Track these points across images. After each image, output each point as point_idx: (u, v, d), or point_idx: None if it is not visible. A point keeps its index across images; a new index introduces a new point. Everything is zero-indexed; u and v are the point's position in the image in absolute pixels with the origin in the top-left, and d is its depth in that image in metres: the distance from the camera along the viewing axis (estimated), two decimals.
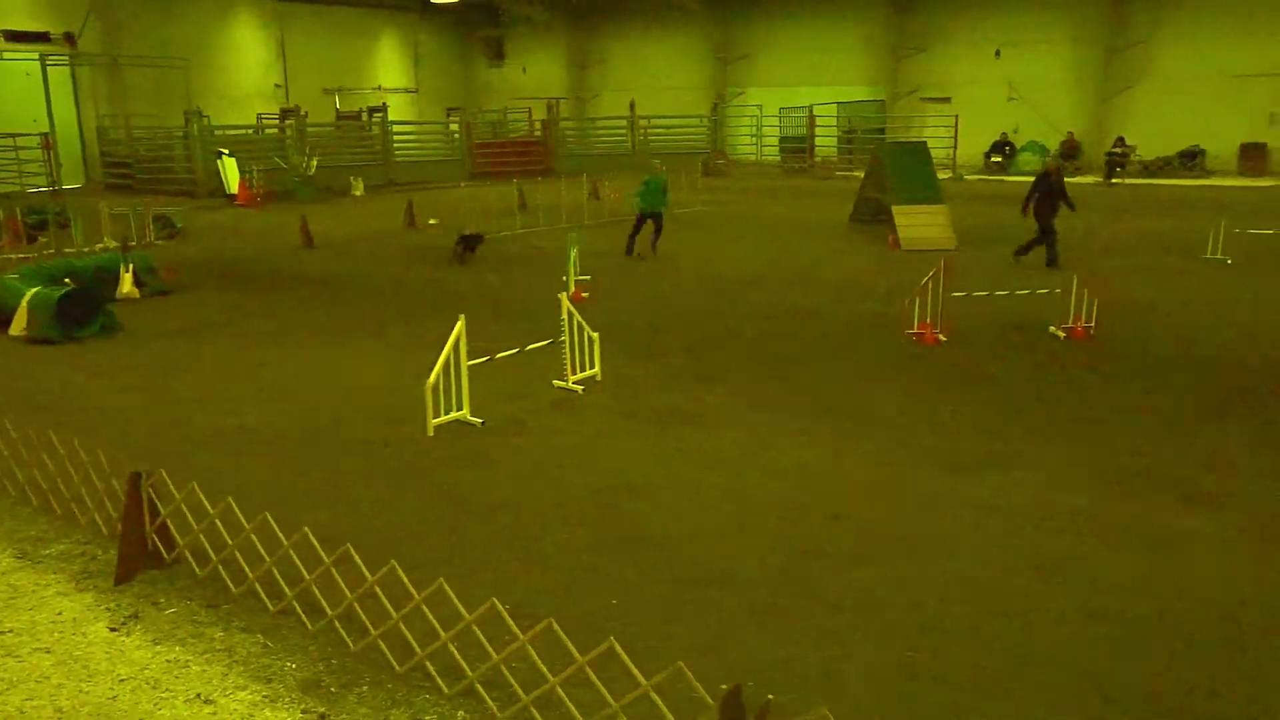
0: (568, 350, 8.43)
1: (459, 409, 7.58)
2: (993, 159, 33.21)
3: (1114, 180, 28.40)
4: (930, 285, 10.02)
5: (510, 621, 3.58)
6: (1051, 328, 10.30)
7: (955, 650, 4.36)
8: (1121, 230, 18.16)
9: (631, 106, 36.97)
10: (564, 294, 8.55)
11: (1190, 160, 30.24)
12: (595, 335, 8.65)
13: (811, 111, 35.93)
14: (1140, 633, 4.49)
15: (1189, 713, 3.92)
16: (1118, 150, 29.71)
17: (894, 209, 16.83)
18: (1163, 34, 31.25)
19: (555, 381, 8.54)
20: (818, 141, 36.57)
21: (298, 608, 4.44)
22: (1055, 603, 4.77)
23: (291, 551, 4.40)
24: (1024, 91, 33.81)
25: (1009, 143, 33.44)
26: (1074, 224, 18.06)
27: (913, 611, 4.70)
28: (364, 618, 4.16)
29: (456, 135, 36.53)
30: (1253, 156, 30.02)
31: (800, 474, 6.51)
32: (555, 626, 3.41)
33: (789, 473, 6.53)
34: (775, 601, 4.81)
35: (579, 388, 8.44)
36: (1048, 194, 14.28)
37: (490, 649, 3.70)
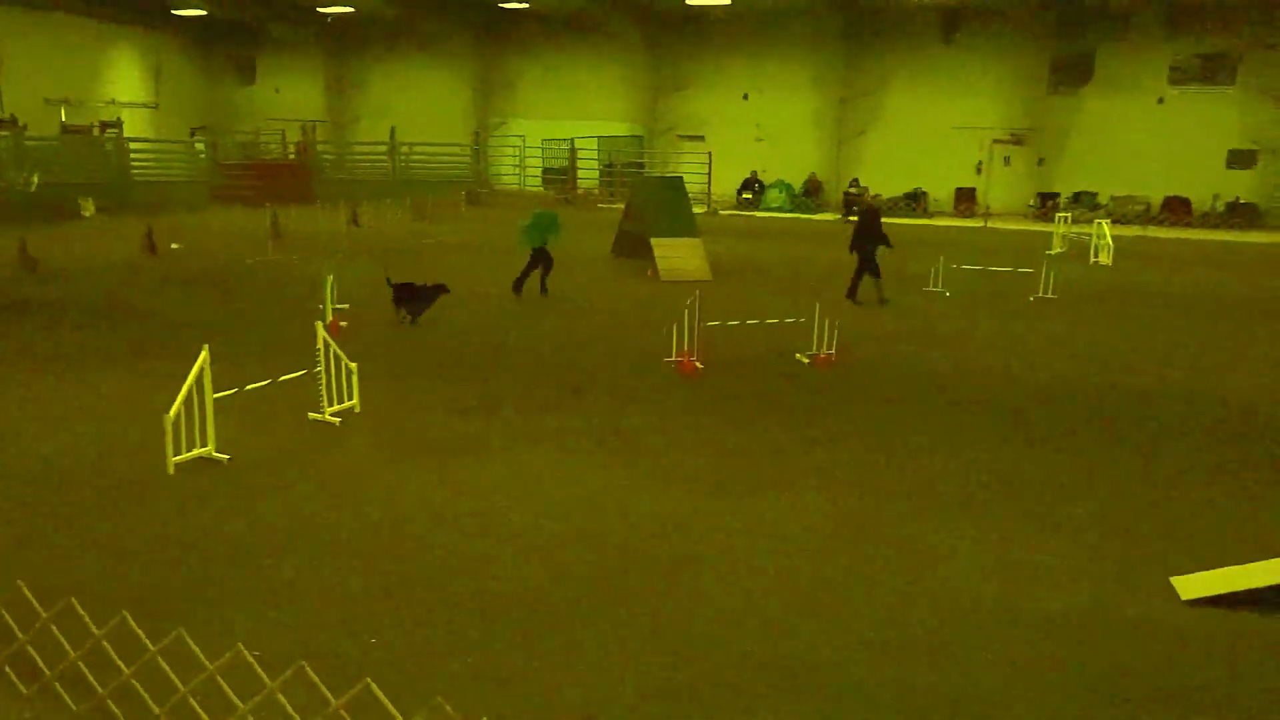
0: (323, 381, 8.12)
1: (203, 445, 7.11)
2: (744, 195, 35.17)
3: (851, 218, 30.76)
4: (687, 315, 10.45)
5: (257, 668, 3.39)
6: (798, 355, 10.98)
7: (720, 670, 4.54)
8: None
9: (392, 133, 36.30)
10: (320, 323, 8.23)
11: (914, 201, 33.30)
12: (353, 366, 8.38)
13: (573, 144, 36.66)
14: (898, 642, 4.85)
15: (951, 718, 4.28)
16: (853, 190, 32.27)
17: (653, 241, 17.42)
18: (890, 86, 34.37)
19: (311, 414, 8.19)
20: (580, 174, 37.33)
21: (9, 672, 4.00)
22: (815, 618, 5.07)
23: (2, 610, 3.96)
24: (771, 133, 36.09)
25: (758, 180, 35.53)
26: (820, 259, 19.44)
27: (678, 634, 4.85)
28: (90, 676, 3.81)
29: (203, 155, 34.48)
30: (965, 200, 33.53)
31: (565, 502, 6.57)
32: (308, 670, 3.26)
33: (554, 501, 6.58)
34: (539, 632, 4.83)
35: (336, 420, 8.14)
36: (865, 231, 14.76)
37: (236, 699, 3.49)
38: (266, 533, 5.93)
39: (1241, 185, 31.15)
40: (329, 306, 12.04)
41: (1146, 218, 30.47)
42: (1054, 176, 32.98)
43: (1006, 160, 33.43)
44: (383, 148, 36.66)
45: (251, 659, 3.40)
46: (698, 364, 10.43)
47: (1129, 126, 31.58)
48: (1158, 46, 31.32)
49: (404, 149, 36.20)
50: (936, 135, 33.54)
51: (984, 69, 33.10)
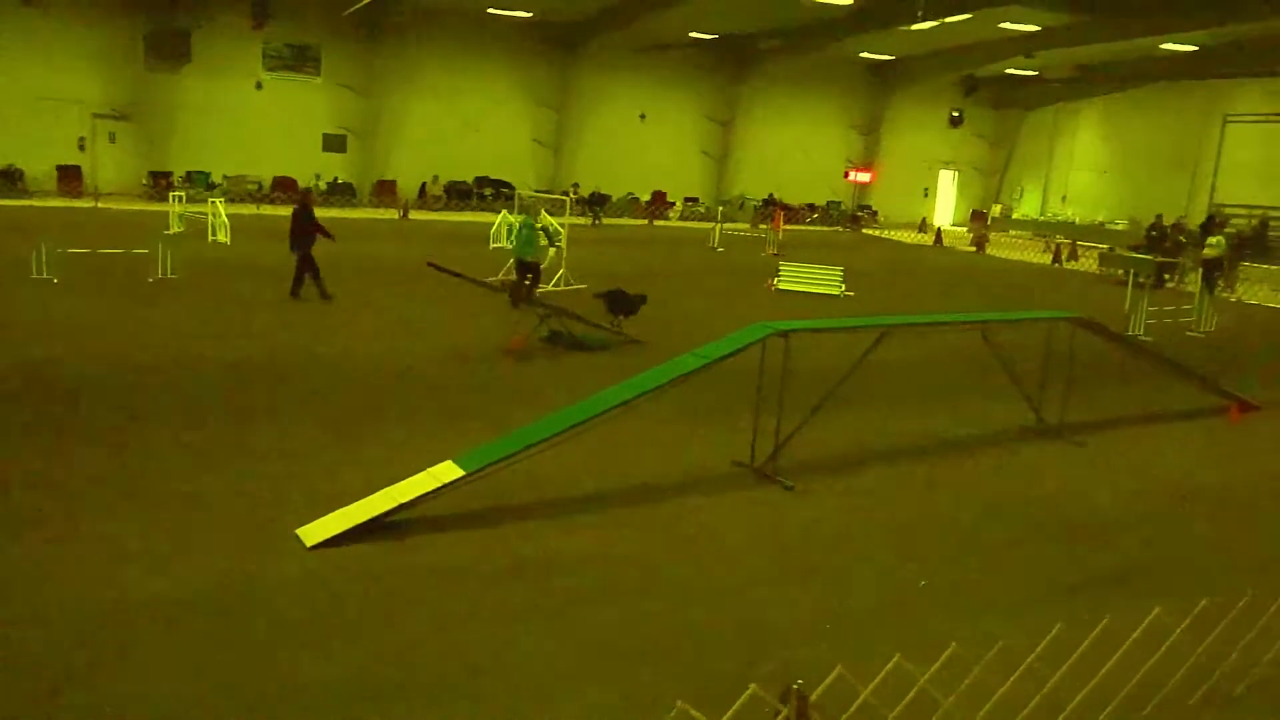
0: None
1: None
2: None
3: None
4: None
5: None
6: None
7: None
8: None
9: None
10: None
11: (10, 181, 29.77)
12: None
13: None
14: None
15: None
16: None
17: None
18: None
19: None
20: None
21: None
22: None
23: None
24: None
25: None
26: None
27: None
28: None
29: None
30: (70, 178, 31.07)
31: None
32: None
33: None
34: None
35: None
36: (302, 223, 14.18)
37: None
38: None
39: (338, 166, 34.79)
40: None
41: (260, 196, 32.09)
42: (166, 155, 32.50)
43: (112, 137, 31.85)
44: None
45: None
46: None
47: (233, 108, 32.65)
48: (250, 33, 32.82)
49: None
50: (29, 108, 30.24)
51: (74, 39, 30.78)
